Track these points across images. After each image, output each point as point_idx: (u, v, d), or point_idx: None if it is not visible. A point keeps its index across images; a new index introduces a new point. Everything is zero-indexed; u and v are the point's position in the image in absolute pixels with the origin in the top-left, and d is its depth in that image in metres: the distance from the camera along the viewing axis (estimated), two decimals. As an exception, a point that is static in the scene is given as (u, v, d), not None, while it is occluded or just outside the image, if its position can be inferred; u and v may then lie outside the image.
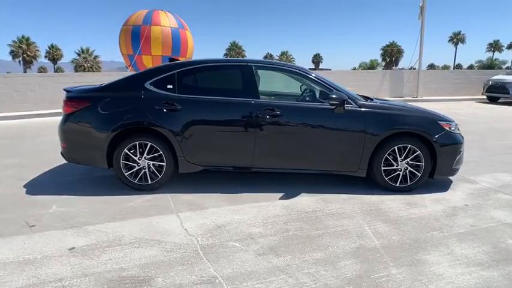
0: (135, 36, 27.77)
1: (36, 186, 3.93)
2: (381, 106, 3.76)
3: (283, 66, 4.10)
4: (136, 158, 3.65)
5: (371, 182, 3.87)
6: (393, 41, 76.88)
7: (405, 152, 3.68)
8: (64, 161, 4.55)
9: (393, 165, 3.71)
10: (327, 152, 3.71)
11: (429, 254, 2.55)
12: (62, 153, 3.90)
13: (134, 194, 3.66)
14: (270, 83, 4.51)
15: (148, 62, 29.22)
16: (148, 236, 2.77)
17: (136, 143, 3.61)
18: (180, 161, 3.67)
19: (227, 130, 3.64)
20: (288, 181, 4.01)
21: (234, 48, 72.48)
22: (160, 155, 3.64)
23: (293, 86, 4.24)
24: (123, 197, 3.58)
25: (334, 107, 3.58)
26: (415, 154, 3.68)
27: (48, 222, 3.01)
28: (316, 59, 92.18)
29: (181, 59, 4.64)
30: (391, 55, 75.96)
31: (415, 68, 14.77)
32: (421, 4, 14.17)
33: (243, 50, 74.08)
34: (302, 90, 4.17)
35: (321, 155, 3.71)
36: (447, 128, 3.72)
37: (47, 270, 2.30)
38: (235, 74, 3.82)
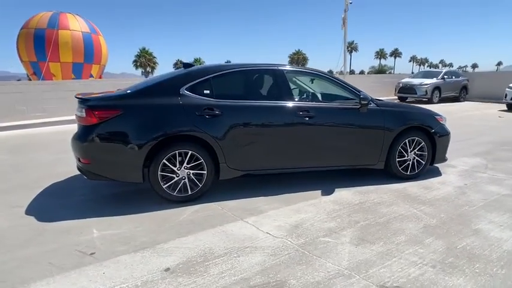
0: (39, 41, 24.65)
1: (44, 212, 3.37)
2: (393, 105, 4.27)
3: (306, 70, 4.32)
4: (175, 169, 3.44)
5: (376, 173, 4.31)
6: (299, 50, 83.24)
7: (413, 144, 4.24)
8: (51, 181, 4.10)
9: (404, 156, 4.23)
10: (354, 148, 4.04)
11: (477, 224, 3.04)
12: (80, 170, 3.45)
13: (174, 207, 3.44)
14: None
15: (56, 70, 26.11)
16: (237, 244, 2.70)
17: (176, 152, 3.41)
18: (221, 168, 3.58)
19: (266, 133, 3.70)
20: (311, 179, 4.21)
21: (144, 54, 69.25)
22: (200, 163, 3.50)
23: (314, 88, 4.48)
24: (166, 212, 3.34)
25: (359, 106, 3.94)
26: (420, 145, 4.27)
27: (107, 248, 2.67)
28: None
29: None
30: (298, 62, 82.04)
31: (342, 72, 16.39)
32: (343, 16, 15.85)
33: (154, 57, 71.33)
34: (324, 92, 4.42)
35: (349, 151, 4.04)
36: (441, 122, 4.41)
37: (167, 294, 2.10)
38: (268, 78, 3.91)
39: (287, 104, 3.76)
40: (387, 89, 17.82)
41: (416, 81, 16.27)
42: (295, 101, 3.84)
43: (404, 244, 2.68)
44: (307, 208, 3.40)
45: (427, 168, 4.40)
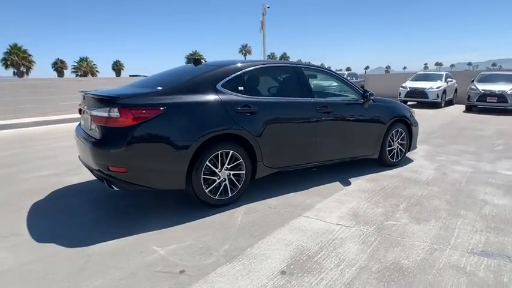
0: None
1: (62, 236, 2.75)
2: (383, 100, 4.78)
3: (319, 68, 4.46)
4: (217, 170, 3.23)
5: (361, 163, 4.78)
6: (196, 50, 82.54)
7: (397, 134, 4.85)
8: (28, 200, 3.55)
9: (392, 146, 4.81)
10: (360, 140, 4.41)
11: (480, 196, 3.68)
12: (108, 180, 2.92)
13: (217, 211, 3.22)
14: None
15: None
16: (321, 238, 2.72)
17: (218, 152, 3.20)
18: (258, 167, 3.50)
19: (294, 129, 3.75)
20: (320, 173, 4.43)
21: (16, 51, 59.00)
22: (239, 163, 3.35)
23: (325, 85, 4.67)
24: (214, 217, 3.12)
25: (363, 101, 4.33)
26: (402, 135, 4.91)
27: (192, 263, 2.38)
28: (117, 66, 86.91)
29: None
30: (189, 62, 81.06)
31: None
32: (261, 19, 16.57)
33: (30, 55, 61.42)
34: (333, 88, 4.65)
35: (357, 143, 4.38)
36: (413, 114, 5.15)
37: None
38: (291, 75, 3.94)
39: (310, 100, 3.88)
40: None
41: (424, 84, 14.05)
42: (314, 97, 3.99)
43: (450, 218, 3.11)
44: (344, 198, 3.59)
45: (404, 155, 5.07)
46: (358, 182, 4.12)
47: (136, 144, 2.84)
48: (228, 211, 3.24)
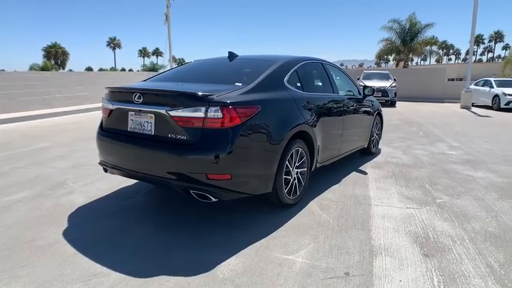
0: None
1: (164, 266, 2.27)
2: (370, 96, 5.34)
3: (334, 65, 4.60)
4: (291, 169, 3.14)
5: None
6: (56, 42, 71.20)
7: (377, 125, 5.52)
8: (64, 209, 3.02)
9: (373, 136, 5.46)
10: (361, 132, 4.85)
11: (467, 171, 4.61)
12: (209, 190, 2.51)
13: (291, 213, 3.14)
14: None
15: None
16: (415, 221, 2.99)
17: (293, 150, 3.11)
18: (314, 164, 3.53)
19: (333, 124, 3.89)
20: (323, 169, 4.71)
21: None
22: (303, 161, 3.33)
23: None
24: (297, 218, 3.03)
25: (362, 96, 4.78)
26: (378, 126, 5.62)
27: (349, 264, 2.33)
28: None
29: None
30: (56, 57, 70.24)
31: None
32: (165, 11, 15.61)
33: None
34: (342, 85, 4.81)
35: (359, 135, 4.81)
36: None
37: None
38: (322, 71, 4.03)
39: (338, 96, 4.10)
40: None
41: (382, 83, 14.93)
42: (338, 93, 4.20)
43: (470, 191, 3.81)
44: (382, 185, 3.95)
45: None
46: (369, 171, 4.56)
47: (240, 147, 2.52)
48: (301, 210, 3.19)
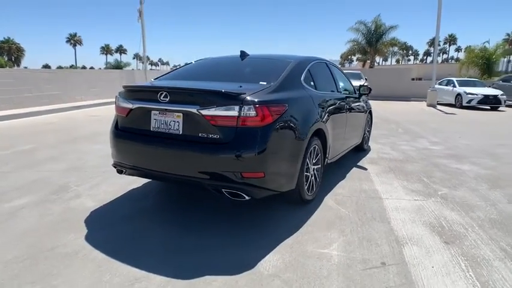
0: None
1: (206, 266, 2.27)
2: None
3: (334, 64, 4.71)
4: (310, 166, 3.22)
5: None
6: (9, 38, 66.64)
7: (368, 123, 5.76)
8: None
9: (365, 133, 5.69)
10: (358, 130, 5.04)
11: (463, 165, 4.94)
12: (244, 188, 2.52)
13: (309, 209, 3.23)
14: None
15: None
16: (427, 211, 3.18)
17: (312, 147, 3.19)
18: (325, 161, 3.63)
19: (339, 121, 4.00)
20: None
21: None
22: (318, 158, 3.42)
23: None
24: (318, 214, 3.12)
25: (358, 96, 4.97)
26: (369, 123, 5.87)
27: (381, 254, 2.45)
28: None
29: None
30: (10, 53, 65.75)
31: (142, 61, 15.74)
32: (138, 8, 15.15)
33: None
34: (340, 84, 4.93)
35: (357, 132, 5.00)
36: (368, 106, 6.18)
37: None
38: (327, 71, 4.14)
39: (342, 94, 4.25)
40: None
41: (354, 83, 16.94)
42: (341, 92, 4.34)
43: (463, 183, 4.10)
44: (384, 180, 4.14)
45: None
46: (368, 167, 4.75)
47: (272, 145, 2.56)
48: (320, 206, 3.28)
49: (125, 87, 2.97)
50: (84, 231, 2.73)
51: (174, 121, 2.65)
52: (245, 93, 2.52)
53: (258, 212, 3.11)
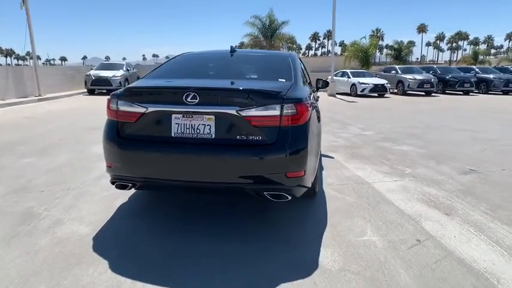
0: None
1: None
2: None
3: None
4: (316, 161, 3.33)
5: None
6: None
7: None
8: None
9: (316, 124, 6.07)
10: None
11: (401, 146, 5.68)
12: (288, 188, 2.47)
13: (315, 202, 3.38)
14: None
15: None
16: (423, 187, 3.63)
17: (316, 143, 3.31)
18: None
19: (317, 116, 4.20)
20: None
21: None
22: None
23: None
24: (331, 207, 3.28)
25: (317, 89, 5.28)
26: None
27: (411, 235, 2.72)
28: None
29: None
30: None
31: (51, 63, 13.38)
32: (19, -8, 12.65)
33: None
34: None
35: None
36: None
37: None
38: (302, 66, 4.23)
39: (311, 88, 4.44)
40: (73, 82, 16.91)
41: (106, 73, 16.51)
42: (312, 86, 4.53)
43: (415, 161, 4.78)
44: (356, 166, 4.53)
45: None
46: (332, 155, 5.11)
47: (309, 141, 2.56)
48: (326, 197, 3.43)
49: (129, 88, 2.55)
50: (100, 262, 2.28)
51: (204, 124, 2.41)
52: (282, 92, 2.45)
53: (273, 211, 3.08)
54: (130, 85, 2.62)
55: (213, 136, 2.41)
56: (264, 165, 2.38)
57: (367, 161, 4.75)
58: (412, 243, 2.54)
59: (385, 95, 17.13)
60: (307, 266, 2.25)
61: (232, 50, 3.51)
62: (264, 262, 2.30)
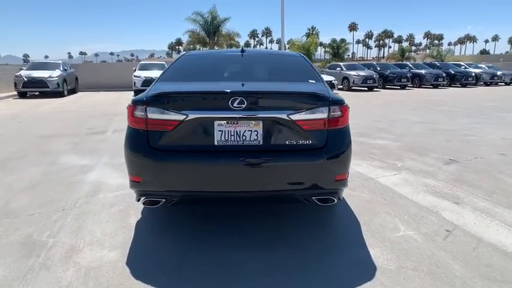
0: None
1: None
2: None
3: None
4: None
5: None
6: None
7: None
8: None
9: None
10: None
11: (370, 140, 5.96)
12: (336, 191, 2.45)
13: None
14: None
15: None
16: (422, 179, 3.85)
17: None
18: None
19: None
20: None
21: None
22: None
23: None
24: (351, 206, 3.34)
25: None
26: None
27: (432, 229, 2.88)
28: None
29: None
30: None
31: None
32: None
33: None
34: None
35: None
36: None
37: None
38: None
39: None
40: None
41: (41, 73, 14.77)
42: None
43: (399, 154, 5.09)
44: (356, 162, 4.65)
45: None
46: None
47: (350, 144, 2.55)
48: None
49: (161, 93, 2.30)
50: (150, 290, 2.04)
51: (251, 131, 2.28)
52: (326, 94, 2.42)
53: (299, 218, 3.04)
54: (160, 90, 2.35)
55: (261, 142, 2.29)
56: (315, 170, 2.34)
57: (357, 156, 4.90)
58: (445, 234, 2.69)
59: (334, 91, 17.93)
60: (367, 267, 2.26)
61: (243, 51, 3.36)
62: (327, 267, 2.26)
